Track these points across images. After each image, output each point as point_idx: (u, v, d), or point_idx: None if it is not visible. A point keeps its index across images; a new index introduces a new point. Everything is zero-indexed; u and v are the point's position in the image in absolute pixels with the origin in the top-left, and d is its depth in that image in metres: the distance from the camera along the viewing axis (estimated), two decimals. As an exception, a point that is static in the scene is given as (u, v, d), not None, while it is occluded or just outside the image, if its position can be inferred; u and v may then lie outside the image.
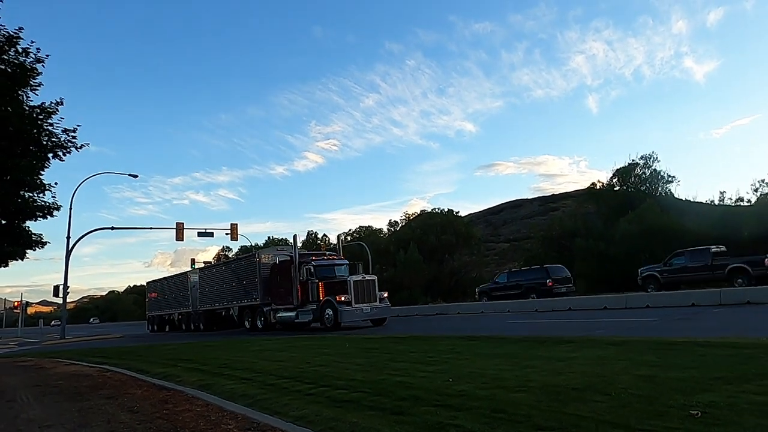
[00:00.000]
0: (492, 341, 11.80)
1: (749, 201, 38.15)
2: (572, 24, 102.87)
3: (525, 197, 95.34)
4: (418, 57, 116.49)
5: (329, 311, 22.99)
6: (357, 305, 22.97)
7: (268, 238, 60.51)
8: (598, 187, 44.34)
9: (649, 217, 34.85)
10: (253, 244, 48.73)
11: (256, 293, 27.86)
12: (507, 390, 6.27)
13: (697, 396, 5.40)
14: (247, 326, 29.21)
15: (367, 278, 23.69)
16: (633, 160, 42.37)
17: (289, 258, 26.31)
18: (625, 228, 35.37)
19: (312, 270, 24.40)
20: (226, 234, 38.33)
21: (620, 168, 42.48)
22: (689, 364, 7.10)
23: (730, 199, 40.49)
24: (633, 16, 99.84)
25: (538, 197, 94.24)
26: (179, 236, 37.40)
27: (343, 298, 22.76)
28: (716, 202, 41.22)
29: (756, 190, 37.70)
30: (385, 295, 24.38)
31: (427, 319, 28.22)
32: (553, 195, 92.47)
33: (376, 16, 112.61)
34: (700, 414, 4.76)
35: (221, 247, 72.04)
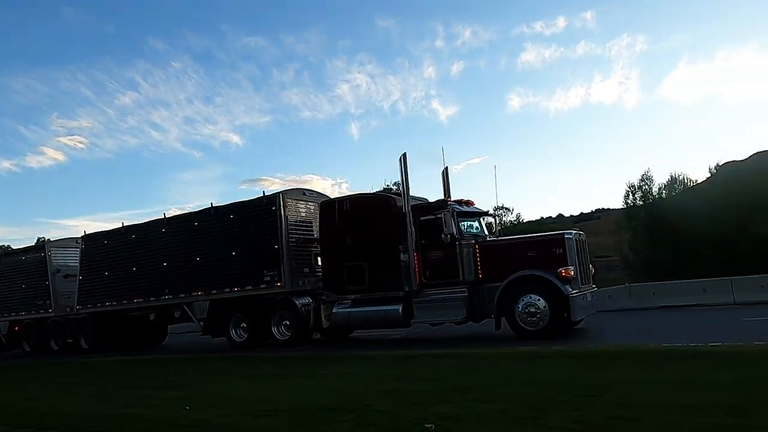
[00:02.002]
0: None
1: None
2: (341, 53, 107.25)
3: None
4: (185, 60, 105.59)
5: (533, 300, 11.36)
6: (583, 288, 11.88)
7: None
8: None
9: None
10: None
11: (276, 271, 14.41)
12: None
13: (433, 408, 5.72)
14: (236, 338, 15.35)
15: (582, 237, 12.64)
16: (388, 186, 41.47)
17: (380, 200, 13.68)
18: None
19: (451, 221, 12.46)
20: None
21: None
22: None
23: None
24: (393, 57, 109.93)
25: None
26: None
27: (571, 272, 11.43)
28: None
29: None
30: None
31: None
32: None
33: (140, 9, 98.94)
34: (433, 427, 5.08)
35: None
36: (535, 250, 11.96)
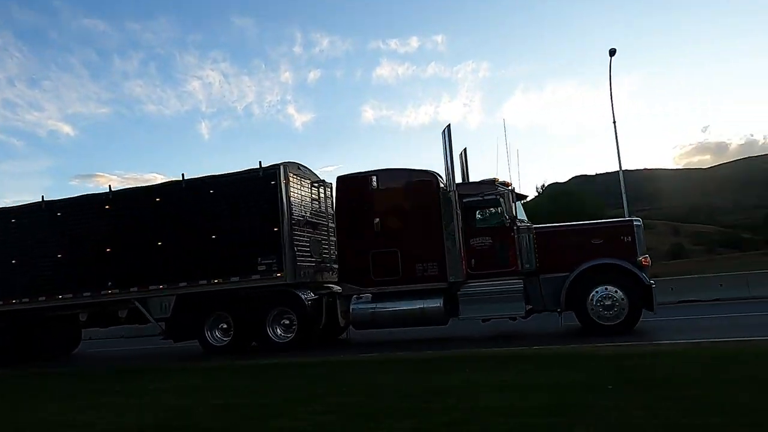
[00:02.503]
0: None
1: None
2: (192, 48, 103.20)
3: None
4: (7, 36, 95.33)
5: (610, 292, 10.28)
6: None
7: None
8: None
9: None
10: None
11: (275, 258, 11.88)
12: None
13: (267, 423, 5.53)
14: (213, 341, 12.44)
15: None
16: None
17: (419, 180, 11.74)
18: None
19: (512, 203, 11.09)
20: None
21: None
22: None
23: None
24: (249, 57, 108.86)
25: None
26: None
27: (650, 261, 10.57)
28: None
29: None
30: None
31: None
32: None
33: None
34: None
35: None
36: (601, 237, 10.93)
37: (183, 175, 12.81)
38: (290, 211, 12.14)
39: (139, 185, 13.60)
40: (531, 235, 11.04)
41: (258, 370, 9.54)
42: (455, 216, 10.98)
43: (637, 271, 10.26)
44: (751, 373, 5.98)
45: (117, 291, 12.94)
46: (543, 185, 40.40)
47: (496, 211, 11.29)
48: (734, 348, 7.83)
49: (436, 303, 11.07)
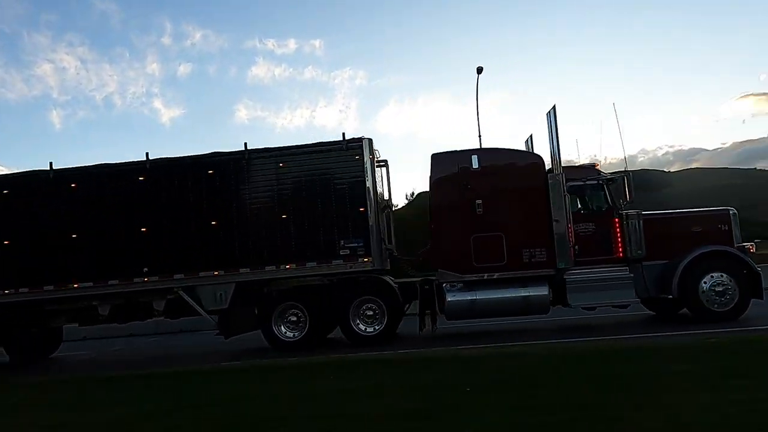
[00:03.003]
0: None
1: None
2: (44, 28, 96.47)
3: None
4: None
5: (722, 278, 10.35)
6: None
7: None
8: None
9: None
10: None
11: (361, 242, 10.69)
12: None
13: None
14: (283, 337, 10.88)
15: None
16: None
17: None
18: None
19: (631, 187, 10.84)
20: None
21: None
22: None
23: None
24: (111, 44, 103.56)
25: None
26: None
27: (753, 248, 10.83)
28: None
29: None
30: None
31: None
32: None
33: None
34: None
35: None
36: (700, 225, 11.04)
37: (246, 144, 11.06)
38: (375, 190, 10.97)
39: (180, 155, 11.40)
40: (640, 222, 10.87)
41: (381, 365, 8.27)
42: (564, 200, 10.53)
43: (747, 258, 10.47)
44: (595, 372, 6.27)
45: (157, 278, 10.89)
46: (412, 193, 41.26)
47: (599, 196, 11.00)
48: (592, 347, 8.19)
49: (542, 291, 10.52)
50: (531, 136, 13.20)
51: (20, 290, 11.06)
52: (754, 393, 4.82)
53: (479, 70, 20.84)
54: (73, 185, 11.19)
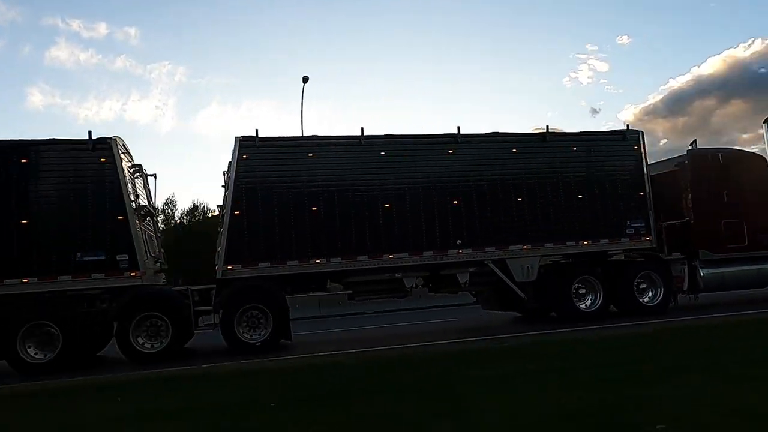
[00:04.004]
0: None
1: None
2: None
3: None
4: None
5: None
6: None
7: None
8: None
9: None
10: None
11: (643, 222, 12.05)
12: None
13: None
14: (591, 307, 11.68)
15: None
16: None
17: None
18: None
19: None
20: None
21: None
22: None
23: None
24: None
25: None
26: None
27: None
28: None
29: None
30: None
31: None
32: None
33: None
34: None
35: None
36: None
37: (547, 126, 11.75)
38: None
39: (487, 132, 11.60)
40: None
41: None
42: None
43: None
44: (403, 380, 6.32)
45: (469, 250, 11.06)
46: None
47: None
48: (398, 355, 8.60)
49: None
50: (695, 140, 15.51)
51: (331, 260, 10.44)
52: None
53: (305, 80, 22.03)
54: (382, 153, 10.90)
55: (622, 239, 11.91)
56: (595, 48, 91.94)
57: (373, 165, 10.94)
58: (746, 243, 12.58)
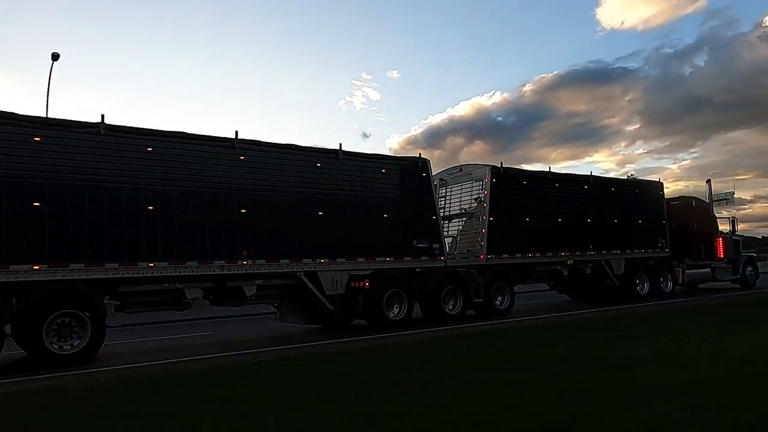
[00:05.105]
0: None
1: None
2: None
3: None
4: None
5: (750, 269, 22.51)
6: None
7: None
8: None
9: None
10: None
11: (665, 240, 19.33)
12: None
13: None
14: (643, 292, 18.43)
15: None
16: None
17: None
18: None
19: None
20: None
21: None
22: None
23: None
24: None
25: None
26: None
27: None
28: None
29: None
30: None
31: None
32: None
33: None
34: None
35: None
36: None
37: (632, 174, 18.28)
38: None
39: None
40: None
41: None
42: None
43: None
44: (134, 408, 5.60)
45: (595, 253, 16.99)
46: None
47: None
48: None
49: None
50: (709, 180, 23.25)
51: (536, 255, 15.45)
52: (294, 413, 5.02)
53: (55, 57, 20.52)
54: (557, 185, 16.54)
55: (656, 250, 18.83)
56: (370, 77, 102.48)
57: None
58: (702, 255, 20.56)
